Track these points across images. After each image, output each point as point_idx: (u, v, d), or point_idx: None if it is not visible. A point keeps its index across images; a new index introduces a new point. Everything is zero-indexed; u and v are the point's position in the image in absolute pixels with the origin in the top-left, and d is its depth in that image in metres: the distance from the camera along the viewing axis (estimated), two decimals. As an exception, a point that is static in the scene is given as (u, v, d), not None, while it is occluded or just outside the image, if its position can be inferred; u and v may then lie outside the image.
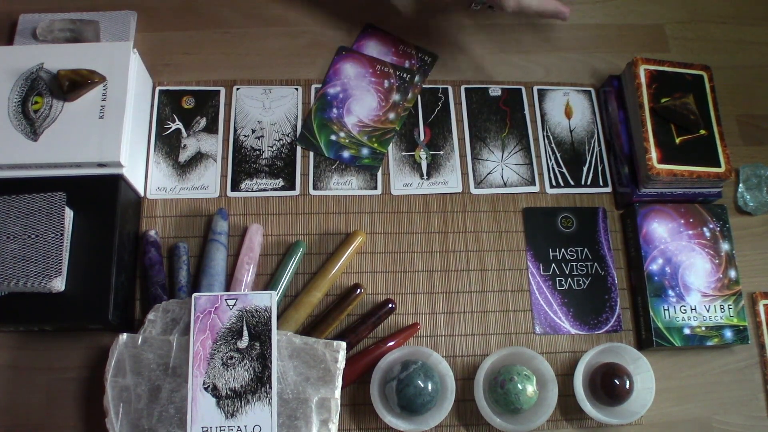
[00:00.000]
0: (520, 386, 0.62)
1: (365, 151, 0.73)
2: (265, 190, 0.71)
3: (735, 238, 0.72)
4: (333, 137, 0.73)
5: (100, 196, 0.64)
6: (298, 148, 0.73)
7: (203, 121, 0.74)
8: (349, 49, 0.77)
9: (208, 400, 0.56)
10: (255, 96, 0.75)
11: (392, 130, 0.74)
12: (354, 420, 0.65)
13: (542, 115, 0.77)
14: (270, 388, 0.57)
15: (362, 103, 0.75)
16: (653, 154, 0.69)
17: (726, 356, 0.70)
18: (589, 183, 0.75)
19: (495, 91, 0.78)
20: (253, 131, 0.74)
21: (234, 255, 0.68)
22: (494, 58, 0.80)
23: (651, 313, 0.68)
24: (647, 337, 0.68)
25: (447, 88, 0.77)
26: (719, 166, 0.70)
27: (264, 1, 0.80)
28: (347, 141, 0.73)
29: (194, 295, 0.59)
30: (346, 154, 0.73)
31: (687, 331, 0.67)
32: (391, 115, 0.75)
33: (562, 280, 0.71)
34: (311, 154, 0.73)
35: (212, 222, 0.68)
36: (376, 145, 0.73)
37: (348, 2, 0.78)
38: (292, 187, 0.72)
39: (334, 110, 0.74)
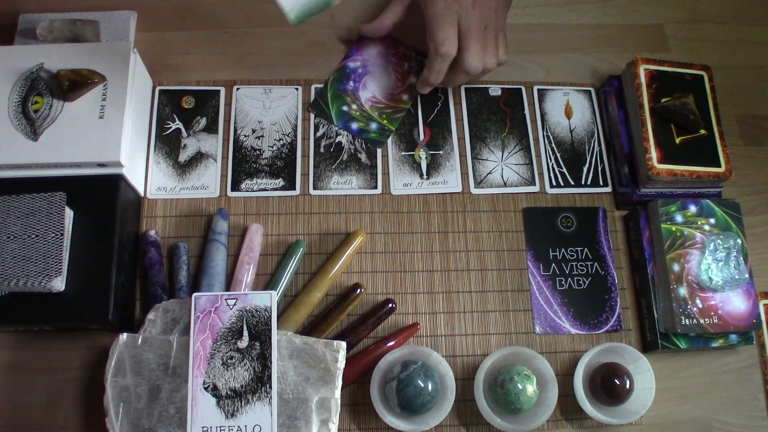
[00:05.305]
0: (520, 386, 0.62)
1: (374, 126, 0.73)
2: (265, 190, 0.71)
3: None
4: (345, 108, 0.74)
5: (100, 196, 0.64)
6: (298, 148, 0.73)
7: (203, 121, 0.74)
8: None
9: (208, 400, 0.56)
10: (255, 96, 0.75)
11: (404, 109, 0.75)
12: (354, 420, 0.65)
13: (542, 115, 0.77)
14: (270, 388, 0.57)
15: (379, 81, 0.76)
16: (653, 154, 0.69)
17: (726, 356, 0.70)
18: (589, 183, 0.75)
19: (495, 90, 0.78)
20: (254, 131, 0.74)
21: (234, 255, 0.68)
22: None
23: (656, 316, 0.68)
24: (652, 340, 0.68)
25: (447, 88, 0.77)
26: (719, 166, 0.70)
27: (264, 1, 0.80)
28: (358, 113, 0.74)
29: (194, 295, 0.59)
30: (354, 125, 0.73)
31: None
32: (405, 96, 0.75)
33: (562, 280, 0.71)
34: (311, 153, 0.73)
35: (212, 222, 0.68)
36: (385, 121, 0.73)
37: (348, 2, 0.78)
38: (292, 187, 0.72)
39: (351, 83, 0.75)
